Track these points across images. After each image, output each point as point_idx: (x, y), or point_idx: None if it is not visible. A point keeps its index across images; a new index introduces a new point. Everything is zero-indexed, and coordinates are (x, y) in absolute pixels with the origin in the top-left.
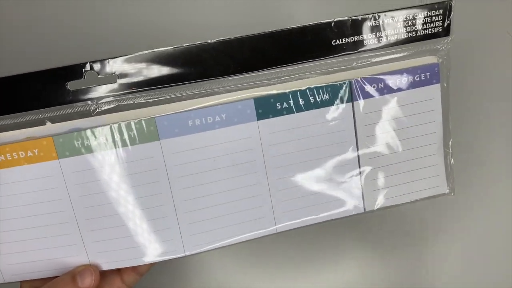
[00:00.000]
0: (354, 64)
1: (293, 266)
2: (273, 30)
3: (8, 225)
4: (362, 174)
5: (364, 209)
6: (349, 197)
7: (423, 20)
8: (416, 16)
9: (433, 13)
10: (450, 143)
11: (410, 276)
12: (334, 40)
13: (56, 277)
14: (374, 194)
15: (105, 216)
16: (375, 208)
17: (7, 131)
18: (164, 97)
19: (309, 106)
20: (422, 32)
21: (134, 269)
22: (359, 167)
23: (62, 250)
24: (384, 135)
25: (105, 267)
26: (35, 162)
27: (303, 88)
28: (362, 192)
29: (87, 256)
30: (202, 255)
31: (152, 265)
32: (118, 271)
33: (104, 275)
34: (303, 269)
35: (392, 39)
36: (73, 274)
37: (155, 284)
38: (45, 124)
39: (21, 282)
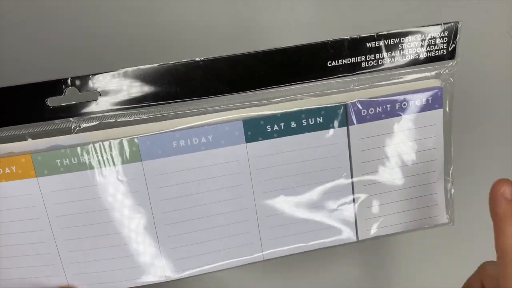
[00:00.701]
0: (352, 86)
1: (293, 265)
2: (265, 49)
3: None
4: (356, 202)
5: (357, 238)
6: (341, 225)
7: (427, 42)
8: (419, 38)
9: (438, 35)
10: (451, 170)
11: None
12: (330, 61)
13: None
14: (368, 223)
15: (84, 238)
16: (369, 237)
17: None
18: (148, 116)
19: (301, 129)
20: (425, 55)
21: None
22: (353, 194)
23: (41, 269)
24: (381, 161)
25: None
26: (13, 179)
27: (295, 110)
28: (356, 220)
29: (66, 277)
30: None
31: None
32: None
33: None
34: (303, 268)
35: (393, 61)
36: None
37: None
38: (25, 140)
39: None
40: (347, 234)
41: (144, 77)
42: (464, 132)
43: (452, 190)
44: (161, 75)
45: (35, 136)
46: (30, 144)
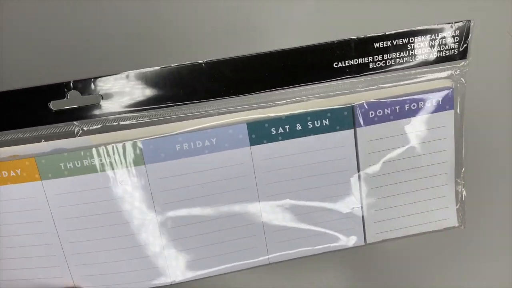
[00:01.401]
0: (359, 87)
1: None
2: (268, 51)
3: None
4: (364, 205)
5: (365, 241)
6: (348, 228)
7: (437, 42)
8: (429, 37)
9: (449, 34)
10: (462, 173)
11: None
12: (336, 63)
13: None
14: (376, 226)
15: (88, 240)
16: (377, 240)
17: None
18: (151, 119)
19: (306, 132)
20: (436, 55)
21: None
22: (361, 197)
23: (46, 271)
24: (390, 164)
25: None
26: (18, 182)
27: (301, 112)
28: (364, 223)
29: (72, 279)
30: None
31: None
32: None
33: None
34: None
35: (402, 61)
36: None
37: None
38: (28, 143)
39: None
40: (355, 238)
41: (146, 80)
42: (476, 133)
43: (464, 193)
44: (163, 78)
45: (38, 139)
46: (34, 148)
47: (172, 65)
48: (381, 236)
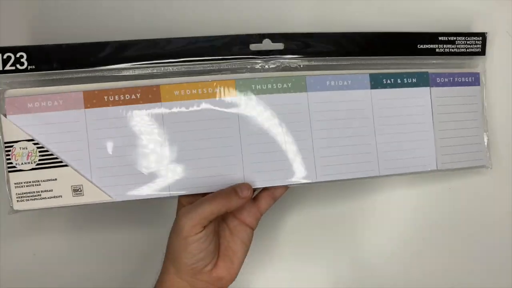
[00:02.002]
0: (432, 61)
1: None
2: (386, 31)
3: (183, 145)
4: (436, 140)
5: (437, 167)
6: (428, 156)
7: (470, 42)
8: (466, 38)
9: (476, 38)
10: (487, 129)
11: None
12: (419, 45)
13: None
14: (443, 157)
15: (262, 143)
16: (443, 168)
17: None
18: (315, 63)
19: (404, 85)
20: (469, 50)
21: (270, 194)
22: (434, 134)
23: (225, 168)
24: (449, 115)
25: (257, 185)
26: (218, 97)
27: (400, 71)
28: (436, 154)
29: (243, 175)
30: None
31: (286, 189)
32: (254, 199)
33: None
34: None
35: (452, 50)
36: (234, 187)
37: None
38: (226, 74)
39: (180, 197)
40: (431, 163)
41: (313, 38)
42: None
43: (487, 142)
44: (326, 39)
45: (235, 71)
46: (231, 76)
47: (330, 31)
48: (444, 166)
